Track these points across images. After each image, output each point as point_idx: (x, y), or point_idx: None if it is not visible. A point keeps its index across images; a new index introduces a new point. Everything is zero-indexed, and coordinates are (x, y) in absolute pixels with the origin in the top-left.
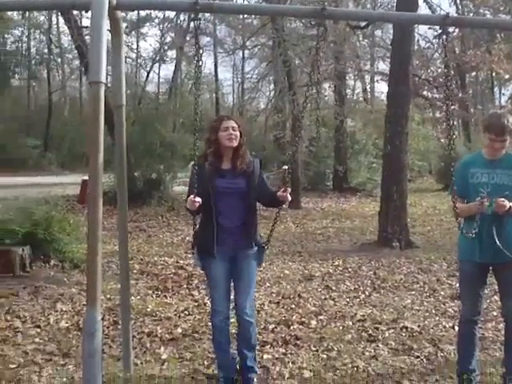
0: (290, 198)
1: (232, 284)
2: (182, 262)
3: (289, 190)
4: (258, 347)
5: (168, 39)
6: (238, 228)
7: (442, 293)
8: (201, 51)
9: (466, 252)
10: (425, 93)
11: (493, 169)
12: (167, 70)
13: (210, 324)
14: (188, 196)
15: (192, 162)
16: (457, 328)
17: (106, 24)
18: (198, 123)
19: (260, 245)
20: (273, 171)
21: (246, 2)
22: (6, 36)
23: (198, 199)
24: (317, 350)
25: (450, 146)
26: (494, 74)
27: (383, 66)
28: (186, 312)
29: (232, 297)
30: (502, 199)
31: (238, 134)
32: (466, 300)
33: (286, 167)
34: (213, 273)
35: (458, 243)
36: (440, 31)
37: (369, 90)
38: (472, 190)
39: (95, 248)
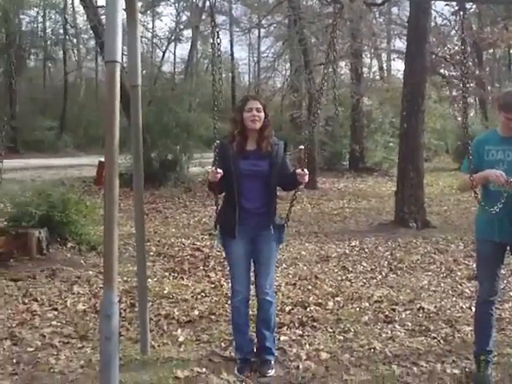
0: (307, 179)
1: (252, 265)
2: (198, 243)
3: (306, 171)
4: (275, 333)
5: (184, 18)
6: (259, 209)
7: (459, 273)
8: (217, 29)
9: (483, 231)
10: (442, 70)
11: (508, 146)
12: (183, 49)
13: (226, 306)
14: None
15: (217, 141)
16: (474, 309)
17: (121, 3)
18: (217, 103)
19: (279, 225)
20: (289, 151)
21: None
22: (21, 17)
23: (220, 171)
24: (333, 332)
25: (465, 124)
26: (511, 51)
27: (400, 44)
28: (203, 294)
29: (252, 278)
30: None
31: (262, 115)
32: (483, 280)
33: (303, 147)
34: (234, 253)
35: (476, 222)
36: (457, 8)
37: (385, 68)
38: (487, 168)
39: (112, 229)
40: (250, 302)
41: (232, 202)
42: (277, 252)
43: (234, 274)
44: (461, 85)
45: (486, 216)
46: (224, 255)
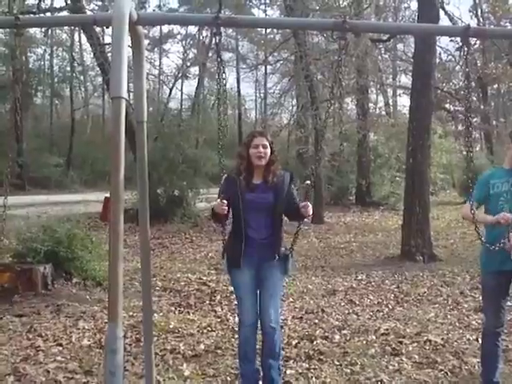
0: (310, 212)
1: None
2: (204, 278)
3: (309, 204)
4: (281, 362)
5: (190, 55)
6: (264, 240)
7: (466, 305)
8: (223, 66)
9: (488, 263)
10: (447, 105)
11: None
12: (190, 86)
13: (233, 340)
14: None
15: (224, 175)
16: (480, 341)
17: (126, 39)
18: (222, 139)
19: (284, 255)
20: (296, 185)
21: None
22: (28, 54)
23: (225, 202)
24: (340, 365)
25: (469, 158)
26: None
27: (405, 80)
28: (209, 328)
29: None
30: None
31: (268, 151)
32: (489, 312)
33: (309, 182)
34: (240, 283)
35: (481, 255)
36: (461, 43)
37: (391, 103)
38: (493, 200)
39: (116, 264)
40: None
41: (238, 232)
42: (282, 281)
43: (240, 304)
44: (465, 119)
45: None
46: (231, 288)
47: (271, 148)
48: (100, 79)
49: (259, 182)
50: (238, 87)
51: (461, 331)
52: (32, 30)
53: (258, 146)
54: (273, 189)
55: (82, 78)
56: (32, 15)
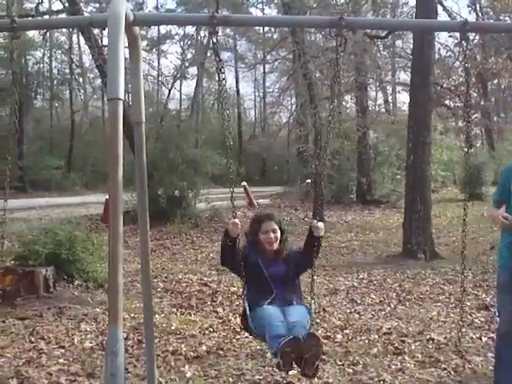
0: (322, 233)
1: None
2: (206, 279)
3: (317, 223)
4: None
5: (189, 56)
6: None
7: (468, 303)
8: (221, 64)
9: (504, 258)
10: (447, 102)
11: None
12: (188, 86)
13: (234, 341)
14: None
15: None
16: (484, 339)
17: (123, 40)
18: (229, 142)
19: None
20: (296, 185)
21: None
22: (27, 57)
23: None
24: (342, 365)
25: (468, 154)
26: None
27: (404, 77)
28: (211, 329)
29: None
30: None
31: (278, 234)
32: (502, 309)
33: (309, 181)
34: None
35: (499, 250)
36: (460, 39)
37: (391, 100)
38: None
39: (116, 266)
40: None
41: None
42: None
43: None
44: (465, 114)
45: (507, 241)
46: (233, 289)
47: (281, 229)
48: (99, 81)
49: (270, 256)
50: (237, 86)
51: (464, 329)
52: (31, 33)
53: (267, 232)
54: (284, 261)
55: (81, 80)
56: (30, 18)
